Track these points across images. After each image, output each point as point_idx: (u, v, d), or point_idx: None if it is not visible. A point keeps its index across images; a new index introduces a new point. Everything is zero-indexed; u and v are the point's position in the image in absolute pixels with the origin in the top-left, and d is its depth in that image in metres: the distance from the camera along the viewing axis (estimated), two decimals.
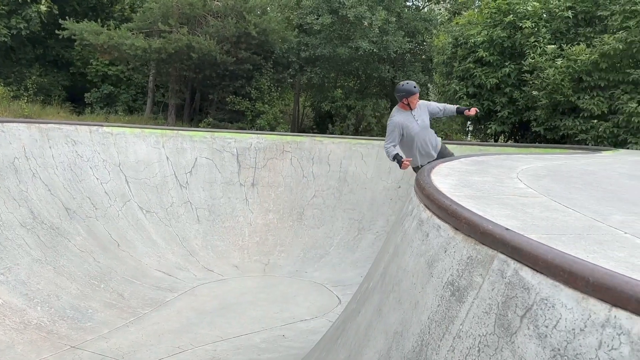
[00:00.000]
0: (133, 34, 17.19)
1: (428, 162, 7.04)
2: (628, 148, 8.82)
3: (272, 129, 18.39)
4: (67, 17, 17.15)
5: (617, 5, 9.47)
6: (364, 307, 2.52)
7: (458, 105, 6.96)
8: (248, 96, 18.61)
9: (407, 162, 6.56)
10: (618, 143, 9.11)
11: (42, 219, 6.58)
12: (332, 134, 18.23)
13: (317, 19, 17.52)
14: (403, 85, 6.36)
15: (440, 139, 6.87)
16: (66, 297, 5.77)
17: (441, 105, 6.72)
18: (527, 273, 1.31)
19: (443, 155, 6.91)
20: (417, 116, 6.38)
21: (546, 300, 1.21)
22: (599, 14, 10.11)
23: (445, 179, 2.52)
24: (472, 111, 6.53)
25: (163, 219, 8.34)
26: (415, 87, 6.29)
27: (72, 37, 16.95)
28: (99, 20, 17.95)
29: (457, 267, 1.61)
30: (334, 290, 7.04)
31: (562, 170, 3.38)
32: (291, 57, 19.13)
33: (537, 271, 1.28)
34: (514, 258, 1.38)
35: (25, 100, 17.84)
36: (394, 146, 6.45)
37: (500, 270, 1.40)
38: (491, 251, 1.48)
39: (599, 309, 1.09)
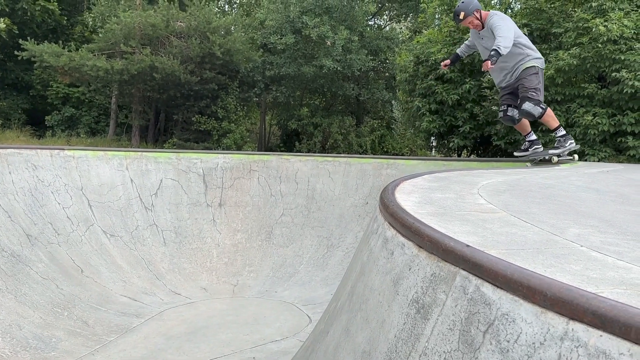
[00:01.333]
0: (94, 55, 16.97)
1: (506, 85, 6.96)
2: (585, 160, 9.11)
3: (239, 148, 18.33)
4: (27, 39, 16.85)
5: (571, 23, 9.85)
6: (332, 328, 2.52)
7: (493, 51, 6.23)
8: (214, 115, 18.54)
9: (444, 65, 7.11)
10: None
11: (3, 246, 6.37)
12: (299, 152, 18.29)
13: (281, 38, 17.67)
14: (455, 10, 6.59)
15: (530, 64, 6.50)
16: (29, 326, 5.58)
17: (498, 33, 6.26)
18: (488, 289, 1.33)
19: (520, 87, 6.65)
20: (484, 36, 6.62)
21: (507, 315, 1.24)
22: (553, 31, 10.48)
23: (409, 196, 2.56)
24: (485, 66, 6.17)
25: (128, 242, 8.17)
26: (456, 16, 6.49)
27: (32, 59, 16.63)
28: (59, 42, 17.68)
29: (422, 285, 1.63)
30: (304, 309, 7.00)
31: (522, 185, 3.47)
32: (256, 76, 19.20)
33: (498, 287, 1.31)
34: (475, 274, 1.41)
35: None
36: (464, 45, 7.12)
37: (462, 287, 1.43)
38: (453, 268, 1.51)
39: (557, 323, 1.12)
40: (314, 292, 7.59)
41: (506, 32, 6.31)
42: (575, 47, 9.34)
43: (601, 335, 1.03)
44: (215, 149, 17.21)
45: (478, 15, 6.62)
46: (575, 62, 9.12)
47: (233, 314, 6.81)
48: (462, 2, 6.57)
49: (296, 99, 20.92)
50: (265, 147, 21.92)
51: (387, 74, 21.79)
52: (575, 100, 9.59)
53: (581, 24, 9.39)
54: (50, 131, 19.99)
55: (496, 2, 13.72)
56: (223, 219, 9.17)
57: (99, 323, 6.17)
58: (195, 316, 6.66)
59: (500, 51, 6.16)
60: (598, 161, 8.96)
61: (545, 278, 1.23)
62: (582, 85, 9.48)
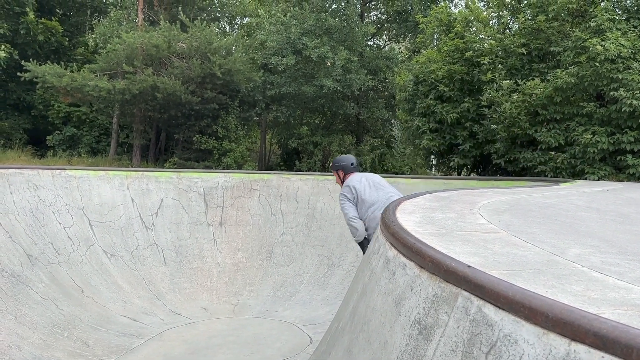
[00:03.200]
0: (96, 75, 17.11)
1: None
2: (586, 178, 9.13)
3: (239, 167, 18.37)
4: (29, 60, 16.99)
5: (569, 42, 9.96)
6: (334, 349, 2.51)
7: None
8: (214, 135, 18.62)
9: None
10: (576, 173, 9.43)
11: (3, 266, 6.36)
12: (299, 170, 18.32)
13: (282, 59, 17.82)
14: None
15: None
16: (28, 347, 5.54)
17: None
18: (490, 310, 1.34)
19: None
20: None
21: (509, 336, 1.24)
22: (551, 50, 10.59)
23: (410, 216, 2.57)
24: None
25: (128, 262, 8.15)
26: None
27: (34, 79, 16.75)
28: (61, 63, 17.83)
29: (424, 306, 1.63)
30: (305, 329, 6.96)
31: (522, 204, 3.48)
32: (257, 95, 19.32)
33: (500, 307, 1.31)
34: (477, 295, 1.41)
35: None
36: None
37: (464, 308, 1.43)
38: (455, 289, 1.51)
39: (559, 344, 1.12)
40: (314, 311, 7.55)
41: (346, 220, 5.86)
42: (573, 66, 9.43)
43: (603, 357, 1.04)
44: (215, 168, 17.25)
45: (340, 175, 6.21)
46: (573, 81, 9.20)
47: (234, 334, 6.77)
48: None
49: (296, 118, 21.03)
50: (266, 166, 21.97)
51: (386, 93, 21.93)
52: (574, 118, 9.66)
53: (579, 44, 9.49)
54: (52, 151, 20.04)
55: (494, 23, 13.87)
56: (224, 238, 9.16)
57: (99, 344, 6.13)
58: (196, 336, 6.62)
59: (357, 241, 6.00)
60: (598, 180, 8.98)
61: (547, 299, 1.23)
62: (581, 104, 9.55)
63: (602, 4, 10.22)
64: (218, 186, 9.62)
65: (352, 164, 6.17)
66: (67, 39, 22.03)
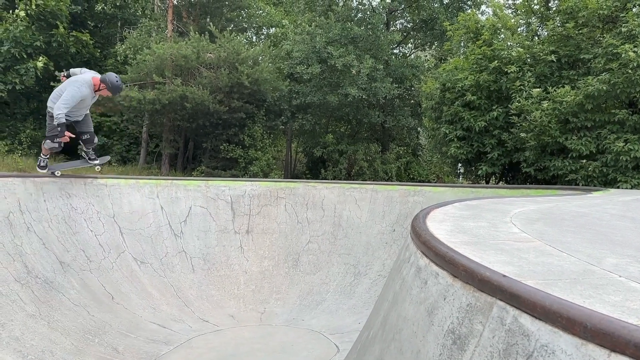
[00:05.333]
0: (127, 86, 17.47)
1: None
2: (618, 187, 8.94)
3: (265, 175, 18.50)
4: (62, 71, 17.43)
5: (599, 49, 9.79)
6: (365, 357, 2.50)
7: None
8: (241, 144, 18.80)
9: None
10: (608, 182, 9.24)
11: (36, 273, 6.51)
12: (324, 179, 18.35)
13: (307, 68, 17.93)
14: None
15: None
16: (60, 352, 5.65)
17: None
18: (526, 320, 1.33)
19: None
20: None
21: (546, 346, 1.23)
22: (581, 57, 10.42)
23: (441, 224, 2.56)
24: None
25: (158, 269, 8.26)
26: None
27: None
28: None
29: (457, 315, 1.62)
30: (332, 338, 6.94)
31: (555, 213, 3.43)
32: (283, 104, 19.46)
33: (536, 317, 1.30)
34: (512, 305, 1.40)
35: (20, 154, 17.94)
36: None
37: (500, 318, 1.42)
38: (490, 298, 1.50)
39: (599, 355, 1.11)
40: (341, 320, 7.53)
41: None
42: (604, 73, 9.27)
43: None
44: (242, 177, 17.41)
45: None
46: (604, 88, 9.04)
47: (261, 342, 6.79)
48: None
49: (322, 127, 21.10)
50: (291, 174, 22.07)
51: (412, 101, 21.87)
52: (605, 126, 9.48)
53: (610, 50, 9.33)
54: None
55: (522, 30, 13.73)
56: (250, 245, 9.22)
57: (129, 350, 6.22)
58: (224, 344, 6.66)
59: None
60: (631, 188, 8.78)
61: (585, 309, 1.22)
62: (613, 111, 9.37)
63: (634, 10, 10.03)
64: (245, 194, 9.70)
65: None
66: (99, 50, 22.57)
